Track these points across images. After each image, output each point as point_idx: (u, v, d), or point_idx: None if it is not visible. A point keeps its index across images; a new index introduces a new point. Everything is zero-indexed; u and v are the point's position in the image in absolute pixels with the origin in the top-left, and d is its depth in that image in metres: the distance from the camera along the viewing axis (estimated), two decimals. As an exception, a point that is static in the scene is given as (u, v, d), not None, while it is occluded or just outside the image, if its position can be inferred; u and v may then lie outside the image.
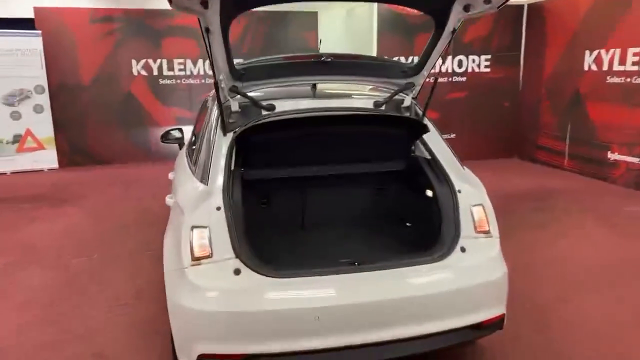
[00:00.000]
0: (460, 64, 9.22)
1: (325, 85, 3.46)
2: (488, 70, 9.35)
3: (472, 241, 2.74)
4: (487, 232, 2.80)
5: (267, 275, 2.42)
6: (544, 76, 8.91)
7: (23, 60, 8.58)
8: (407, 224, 3.39)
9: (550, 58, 8.76)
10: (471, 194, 2.87)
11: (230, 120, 2.96)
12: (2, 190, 7.54)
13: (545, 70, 8.87)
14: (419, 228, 3.22)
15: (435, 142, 3.10)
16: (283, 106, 3.02)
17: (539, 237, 5.21)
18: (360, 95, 3.39)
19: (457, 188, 2.86)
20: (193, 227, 2.49)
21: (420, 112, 3.22)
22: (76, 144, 9.19)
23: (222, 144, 2.81)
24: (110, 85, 9.13)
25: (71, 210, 6.41)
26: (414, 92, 3.24)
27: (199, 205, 2.56)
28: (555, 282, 4.13)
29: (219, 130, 2.88)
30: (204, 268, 2.43)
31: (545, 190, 7.22)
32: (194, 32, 8.88)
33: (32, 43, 8.58)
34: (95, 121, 9.18)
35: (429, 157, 3.07)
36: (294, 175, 3.20)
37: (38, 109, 8.79)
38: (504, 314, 2.73)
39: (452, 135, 9.20)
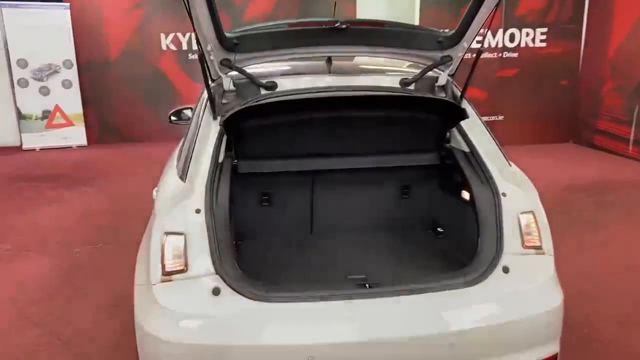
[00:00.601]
0: (512, 38, 8.34)
1: (344, 60, 2.89)
2: (544, 45, 8.43)
3: (519, 259, 2.16)
4: (538, 248, 2.21)
5: (252, 298, 1.93)
6: (609, 52, 7.93)
7: (51, 34, 8.35)
8: (439, 230, 2.82)
9: (617, 31, 7.76)
10: (519, 198, 2.27)
11: (224, 101, 2.45)
12: (28, 168, 7.40)
13: (611, 45, 7.89)
14: (451, 238, 2.65)
15: (476, 131, 2.50)
16: (288, 84, 2.48)
17: (597, 240, 4.48)
18: (384, 72, 2.80)
19: (501, 190, 2.27)
20: (166, 234, 2.03)
21: (458, 93, 2.61)
22: (104, 120, 8.97)
23: (209, 131, 2.32)
24: (138, 61, 8.81)
25: (89, 191, 6.14)
26: (451, 67, 2.62)
27: (174, 207, 2.09)
28: (617, 299, 3.45)
29: (206, 113, 2.38)
30: (176, 286, 1.97)
31: (606, 181, 6.39)
32: (226, 2, 8.39)
33: (61, 16, 8.33)
34: (124, 97, 8.91)
35: (467, 149, 2.48)
36: (301, 170, 2.68)
37: (66, 84, 8.59)
38: (556, 354, 2.14)
39: (500, 117, 8.42)
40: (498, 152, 2.41)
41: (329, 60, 2.70)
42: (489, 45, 8.22)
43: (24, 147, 8.51)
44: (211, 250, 2.00)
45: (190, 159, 2.22)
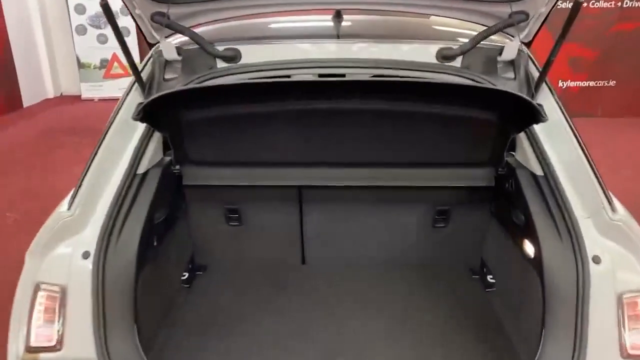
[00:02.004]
0: (637, -17, 6.67)
1: (368, 15, 1.97)
2: (680, -10, 6.66)
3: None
4: (650, 361, 1.27)
5: None
6: None
7: (109, -24, 7.90)
8: (490, 278, 1.90)
9: None
10: (625, 268, 1.33)
11: (167, 76, 1.67)
12: (78, 120, 7.19)
13: None
14: (505, 298, 1.74)
15: (559, 141, 1.53)
16: (260, 54, 1.64)
17: None
18: (419, 38, 1.84)
19: (591, 251, 1.33)
20: (39, 285, 1.35)
21: (534, 74, 1.62)
22: (162, 72, 8.53)
23: (125, 125, 1.56)
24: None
25: (126, 152, 5.73)
26: (526, 32, 1.61)
27: (53, 247, 1.38)
28: None
29: (132, 95, 1.61)
30: (41, 372, 1.29)
31: None
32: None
33: (118, -43, 7.82)
34: (182, 47, 8.38)
35: (539, 171, 1.52)
36: (284, 184, 1.85)
37: (124, 32, 8.06)
38: None
39: (612, 83, 6.87)
40: (592, 180, 1.43)
41: (338, 15, 1.79)
42: None
43: (83, 97, 8.34)
44: (95, 318, 1.29)
45: (87, 170, 1.49)
